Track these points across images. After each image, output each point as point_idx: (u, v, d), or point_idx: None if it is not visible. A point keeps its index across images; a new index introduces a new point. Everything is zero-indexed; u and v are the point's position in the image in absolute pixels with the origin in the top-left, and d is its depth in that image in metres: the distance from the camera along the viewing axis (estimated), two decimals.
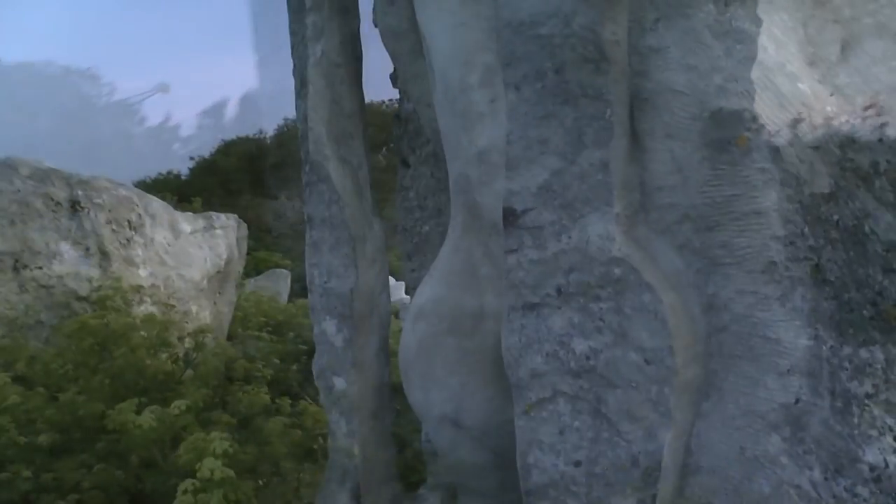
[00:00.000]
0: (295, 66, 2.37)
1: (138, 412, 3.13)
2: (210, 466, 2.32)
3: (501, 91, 1.79)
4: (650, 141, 1.61)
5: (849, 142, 1.45)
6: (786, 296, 1.46)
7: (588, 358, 1.66)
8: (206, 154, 19.30)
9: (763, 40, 1.50)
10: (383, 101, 14.92)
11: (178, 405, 3.11)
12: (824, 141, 1.46)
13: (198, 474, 2.36)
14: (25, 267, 5.82)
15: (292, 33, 2.37)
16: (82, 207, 6.11)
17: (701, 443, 1.58)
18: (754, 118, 1.45)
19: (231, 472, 2.42)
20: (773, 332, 1.48)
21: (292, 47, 2.37)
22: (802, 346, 1.45)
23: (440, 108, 2.00)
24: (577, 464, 1.69)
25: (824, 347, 1.44)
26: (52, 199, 6.05)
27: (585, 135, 1.63)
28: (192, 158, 19.25)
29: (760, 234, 1.47)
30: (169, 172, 18.60)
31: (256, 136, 19.64)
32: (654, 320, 1.57)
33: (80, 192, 6.14)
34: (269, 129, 19.53)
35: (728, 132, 1.47)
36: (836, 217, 1.44)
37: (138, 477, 3.13)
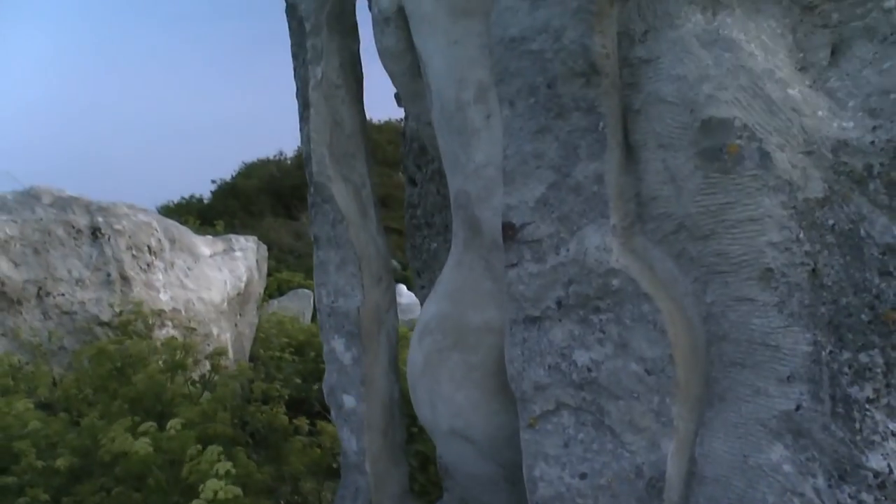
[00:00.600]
0: (297, 89, 2.40)
1: (134, 433, 3.15)
2: (213, 488, 2.33)
3: (496, 107, 1.81)
4: (643, 152, 1.61)
5: (841, 145, 1.45)
6: (783, 302, 1.46)
7: (590, 369, 1.66)
8: (228, 177, 19.44)
9: (751, 48, 1.51)
10: (400, 120, 15.01)
11: (173, 424, 3.13)
12: (816, 145, 1.46)
13: (202, 495, 2.38)
14: (48, 294, 5.92)
15: (294, 56, 2.40)
16: (102, 234, 6.21)
17: (704, 452, 1.58)
18: (744, 126, 1.46)
19: (238, 491, 2.43)
20: (773, 338, 1.48)
21: (294, 71, 2.40)
22: (802, 353, 1.45)
23: (438, 125, 2.03)
24: (583, 476, 1.69)
25: (823, 353, 1.43)
26: (73, 227, 6.15)
27: (580, 147, 1.64)
28: (213, 182, 19.40)
29: (756, 241, 1.47)
30: (191, 196, 18.76)
31: (276, 157, 19.78)
32: (654, 330, 1.57)
33: (100, 219, 6.24)
34: (289, 151, 19.67)
35: (719, 140, 1.48)
36: (831, 221, 1.43)
37: (152, 499, 3.16)
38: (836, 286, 1.42)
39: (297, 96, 2.41)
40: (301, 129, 2.39)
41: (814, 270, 1.43)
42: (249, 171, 19.37)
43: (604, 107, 1.60)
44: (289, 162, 19.17)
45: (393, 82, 2.24)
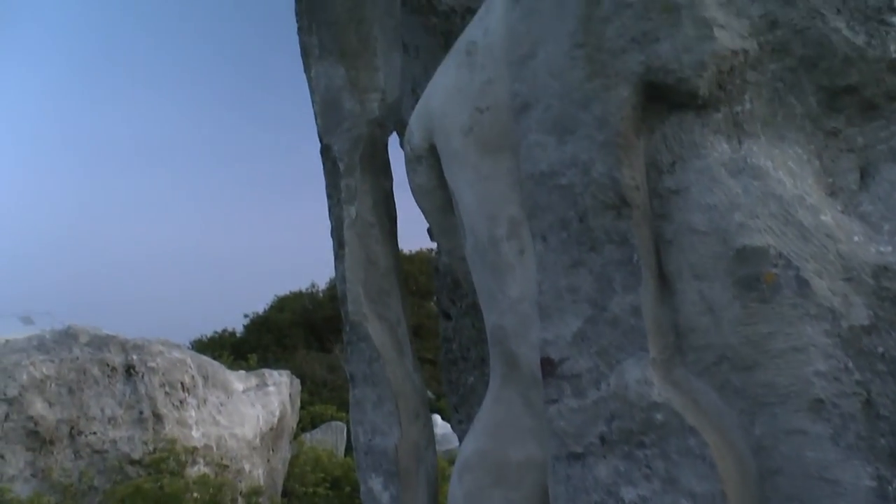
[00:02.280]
0: (332, 228, 2.46)
1: None
2: None
3: (529, 242, 1.82)
4: (679, 282, 1.60)
5: (881, 270, 1.43)
6: (838, 434, 1.40)
7: None
8: (260, 310, 19.56)
9: (779, 175, 1.52)
10: (432, 250, 15.11)
11: None
12: (855, 271, 1.44)
13: None
14: (80, 433, 5.92)
15: (328, 196, 2.47)
16: (136, 371, 6.25)
17: None
18: (779, 254, 1.45)
19: None
20: (830, 472, 1.41)
21: (329, 209, 2.47)
22: (864, 488, 1.38)
23: (471, 261, 2.04)
24: None
25: (889, 488, 1.36)
26: (108, 365, 6.21)
27: (614, 280, 1.64)
28: (246, 315, 19.53)
29: (802, 370, 1.43)
30: (224, 331, 18.87)
31: (309, 290, 19.94)
32: (703, 464, 1.51)
33: (135, 357, 6.30)
34: (322, 283, 19.81)
35: (754, 269, 1.47)
36: (880, 349, 1.40)
37: None
38: (893, 416, 1.36)
39: (331, 235, 2.46)
40: (336, 268, 2.42)
41: (868, 400, 1.38)
42: (282, 304, 19.51)
43: (636, 239, 1.61)
44: (321, 294, 19.28)
45: (426, 218, 2.28)
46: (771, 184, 1.50)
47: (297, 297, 19.68)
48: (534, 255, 1.79)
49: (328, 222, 2.51)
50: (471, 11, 2.74)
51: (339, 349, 16.00)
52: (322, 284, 19.74)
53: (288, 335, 17.66)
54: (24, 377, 5.84)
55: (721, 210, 1.52)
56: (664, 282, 1.64)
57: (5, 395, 5.75)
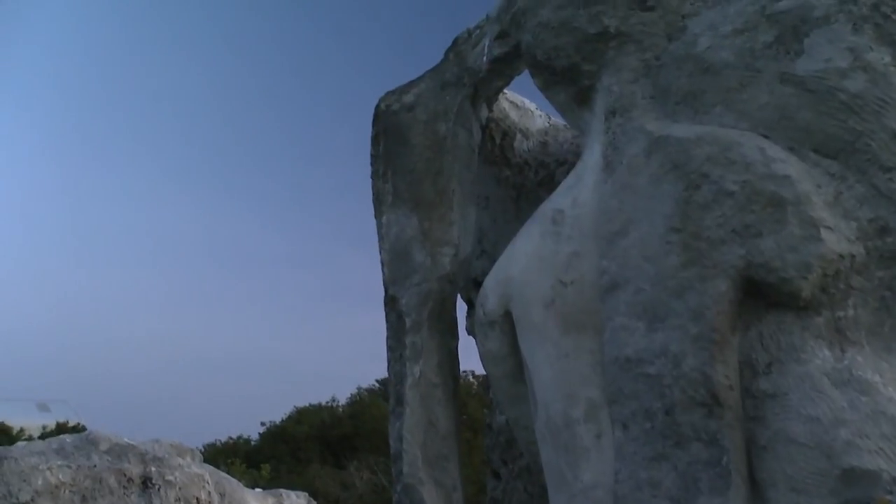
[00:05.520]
0: (390, 382, 2.36)
1: None
2: None
3: (607, 426, 1.74)
4: (772, 492, 1.50)
5: None
6: None
7: None
8: (277, 419, 19.22)
9: (890, 392, 1.44)
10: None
11: None
12: None
13: None
14: None
15: (389, 349, 2.39)
16: (153, 484, 6.06)
17: None
18: (894, 479, 1.35)
19: None
20: None
21: (388, 364, 2.38)
22: None
23: (541, 437, 1.94)
24: None
25: None
26: (125, 476, 6.03)
27: (700, 481, 1.54)
28: (262, 424, 19.19)
29: None
30: (239, 437, 18.54)
31: (329, 403, 19.60)
32: None
33: (153, 469, 6.12)
34: (342, 398, 19.48)
35: (864, 493, 1.36)
36: None
37: None
38: None
39: (389, 389, 2.37)
40: (391, 425, 2.32)
41: None
42: (300, 415, 19.15)
43: (727, 440, 1.52)
44: (340, 410, 18.95)
45: (492, 384, 2.20)
46: (881, 401, 1.42)
47: (316, 410, 19.32)
48: (612, 441, 1.70)
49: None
50: (544, 166, 2.74)
51: (354, 467, 15.59)
52: (342, 399, 19.43)
53: (303, 448, 17.25)
54: (40, 482, 5.68)
55: (825, 424, 1.43)
56: (754, 487, 1.54)
57: (18, 499, 5.58)
